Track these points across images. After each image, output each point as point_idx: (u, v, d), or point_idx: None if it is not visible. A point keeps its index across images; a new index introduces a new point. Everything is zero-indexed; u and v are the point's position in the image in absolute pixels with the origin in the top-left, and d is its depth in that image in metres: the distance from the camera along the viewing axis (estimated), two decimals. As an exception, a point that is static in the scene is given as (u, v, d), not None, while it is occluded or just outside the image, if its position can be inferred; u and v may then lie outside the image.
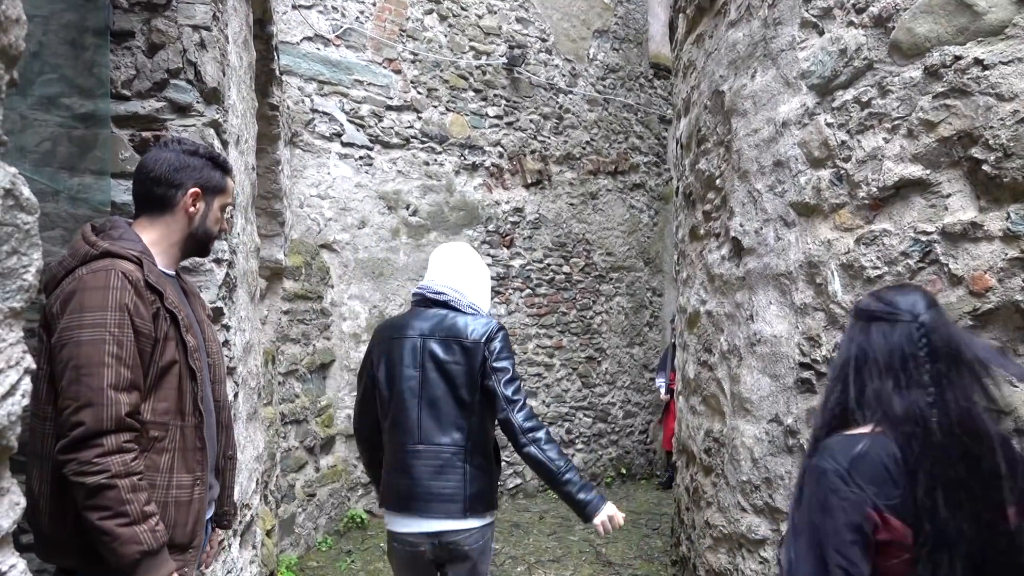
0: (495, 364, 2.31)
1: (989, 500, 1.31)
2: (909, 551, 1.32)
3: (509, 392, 2.29)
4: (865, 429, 1.41)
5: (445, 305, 2.42)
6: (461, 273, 2.47)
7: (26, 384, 0.84)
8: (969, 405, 1.36)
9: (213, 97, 2.33)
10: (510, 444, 2.31)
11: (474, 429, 2.34)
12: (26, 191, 0.82)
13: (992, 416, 1.40)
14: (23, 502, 0.86)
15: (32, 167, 1.97)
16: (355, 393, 2.99)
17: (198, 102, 2.28)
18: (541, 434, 2.28)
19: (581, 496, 2.26)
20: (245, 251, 2.94)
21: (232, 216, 2.55)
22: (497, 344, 2.33)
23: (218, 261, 2.34)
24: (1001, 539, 1.31)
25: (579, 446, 7.26)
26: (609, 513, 2.27)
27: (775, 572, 2.66)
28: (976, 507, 1.30)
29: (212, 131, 2.31)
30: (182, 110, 2.26)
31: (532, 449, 2.25)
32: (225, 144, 2.45)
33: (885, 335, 1.45)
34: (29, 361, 0.85)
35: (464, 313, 2.40)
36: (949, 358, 1.39)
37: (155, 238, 1.73)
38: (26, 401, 0.83)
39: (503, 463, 5.53)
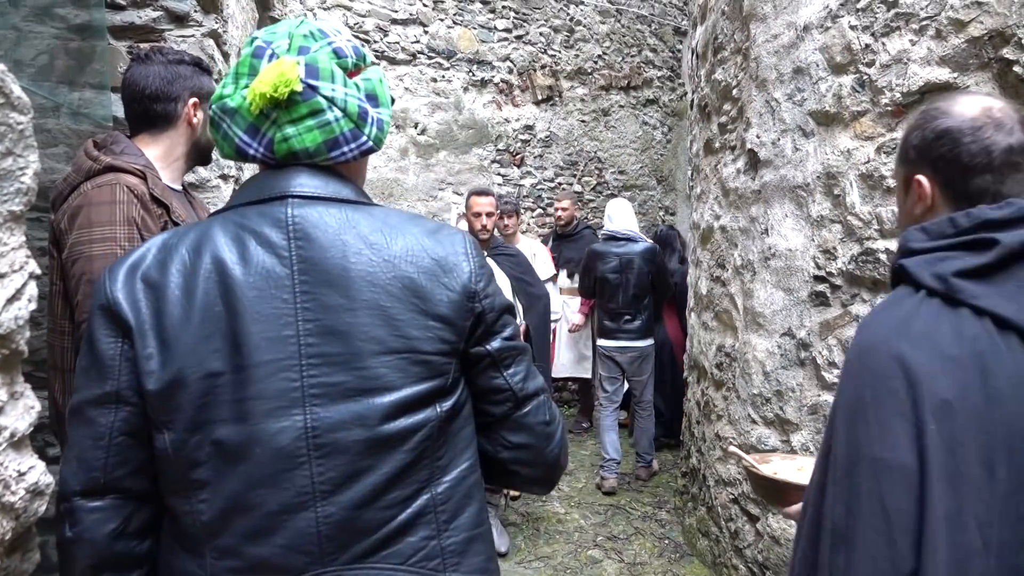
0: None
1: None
2: None
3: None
4: None
5: (626, 238, 4.64)
6: (625, 219, 4.71)
7: (32, 289, 0.83)
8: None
9: (211, 6, 2.24)
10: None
11: (646, 300, 4.60)
12: (16, 89, 0.79)
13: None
14: (38, 406, 0.87)
15: (30, 81, 1.92)
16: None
17: (196, 11, 2.20)
18: None
19: None
20: (252, 168, 2.90)
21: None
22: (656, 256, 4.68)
23: (224, 177, 2.31)
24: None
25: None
26: None
27: None
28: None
29: (211, 42, 2.23)
30: (179, 20, 2.18)
31: None
32: (226, 56, 2.38)
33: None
34: (33, 266, 0.83)
35: (636, 241, 4.64)
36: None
37: (160, 153, 1.70)
38: (33, 306, 0.83)
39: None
